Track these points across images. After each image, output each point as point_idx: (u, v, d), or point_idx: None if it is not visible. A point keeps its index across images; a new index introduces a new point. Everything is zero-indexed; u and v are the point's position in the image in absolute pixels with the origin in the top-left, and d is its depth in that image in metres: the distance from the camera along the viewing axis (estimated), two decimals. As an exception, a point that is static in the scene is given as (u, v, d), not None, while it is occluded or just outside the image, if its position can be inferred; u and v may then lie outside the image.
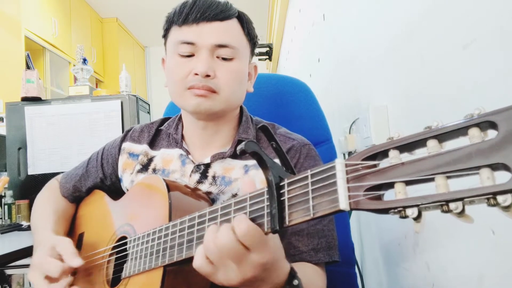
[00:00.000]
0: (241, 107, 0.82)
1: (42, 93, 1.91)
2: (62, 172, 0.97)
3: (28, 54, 3.34)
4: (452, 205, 0.28)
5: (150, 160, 0.81)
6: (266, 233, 0.44)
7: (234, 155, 0.76)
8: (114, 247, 0.73)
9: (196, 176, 0.75)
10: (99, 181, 0.88)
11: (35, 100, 1.88)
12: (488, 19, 0.51)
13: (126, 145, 0.85)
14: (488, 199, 0.27)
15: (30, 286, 2.17)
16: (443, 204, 0.28)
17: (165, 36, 0.77)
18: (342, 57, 1.29)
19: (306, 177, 0.40)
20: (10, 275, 2.05)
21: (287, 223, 0.41)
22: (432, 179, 0.29)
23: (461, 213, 0.28)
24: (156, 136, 0.85)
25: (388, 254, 0.98)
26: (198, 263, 0.49)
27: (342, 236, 0.91)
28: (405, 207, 0.30)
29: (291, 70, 2.87)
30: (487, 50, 0.51)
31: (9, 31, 3.18)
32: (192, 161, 0.77)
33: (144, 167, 0.81)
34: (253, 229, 0.45)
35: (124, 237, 0.71)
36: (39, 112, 1.86)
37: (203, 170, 0.76)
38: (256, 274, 0.48)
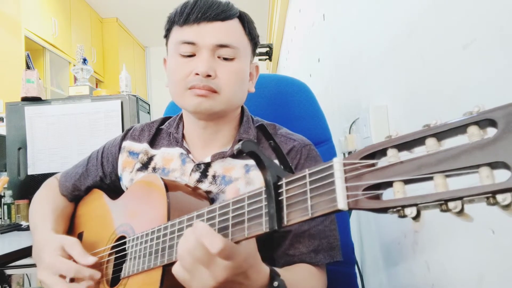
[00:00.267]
0: (242, 107, 0.82)
1: (42, 93, 1.91)
2: (61, 172, 0.97)
3: (28, 54, 3.34)
4: (451, 204, 0.28)
5: (150, 158, 0.81)
6: (265, 233, 0.44)
7: (235, 155, 0.76)
8: (113, 247, 0.73)
9: (196, 175, 0.75)
10: (98, 180, 0.88)
11: (35, 100, 1.88)
12: (488, 19, 0.50)
13: (127, 144, 0.85)
14: (487, 198, 0.26)
15: (30, 286, 2.17)
16: (442, 203, 0.28)
17: (166, 36, 0.77)
18: (342, 57, 1.29)
19: (304, 177, 0.40)
20: (10, 275, 2.05)
21: (285, 223, 0.41)
22: (431, 178, 0.29)
23: (460, 212, 0.28)
24: (156, 135, 0.85)
25: (388, 253, 0.98)
26: (175, 269, 0.51)
27: (342, 236, 0.91)
28: (404, 206, 0.30)
29: (291, 70, 2.87)
30: (487, 50, 0.51)
31: (9, 31, 3.18)
32: (193, 160, 0.77)
33: (144, 166, 0.81)
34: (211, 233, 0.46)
35: (123, 237, 0.71)
36: (39, 112, 1.86)
37: (203, 169, 0.76)
38: (229, 276, 0.48)
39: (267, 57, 3.79)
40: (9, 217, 1.75)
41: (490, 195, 0.26)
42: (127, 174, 0.83)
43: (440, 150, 0.29)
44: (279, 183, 0.43)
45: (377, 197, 0.33)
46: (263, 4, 4.00)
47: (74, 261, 0.68)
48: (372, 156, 0.34)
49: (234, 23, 0.72)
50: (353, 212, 1.27)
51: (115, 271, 0.71)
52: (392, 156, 0.32)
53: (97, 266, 0.74)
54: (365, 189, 0.33)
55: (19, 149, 1.85)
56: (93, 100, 1.88)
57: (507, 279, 0.51)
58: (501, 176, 0.27)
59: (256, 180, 0.73)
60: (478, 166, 0.27)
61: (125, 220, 0.73)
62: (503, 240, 0.50)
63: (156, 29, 4.45)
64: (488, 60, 0.51)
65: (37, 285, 2.10)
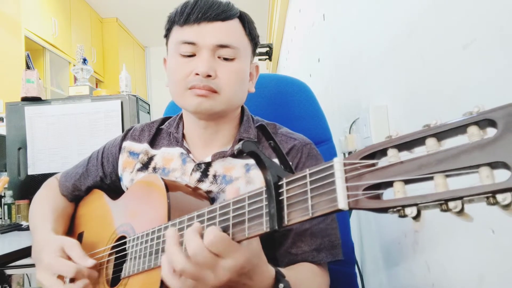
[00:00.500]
0: (242, 107, 0.82)
1: (42, 93, 1.91)
2: (61, 172, 0.97)
3: (28, 54, 3.33)
4: (451, 204, 0.28)
5: (151, 158, 0.81)
6: (265, 233, 0.44)
7: (235, 154, 0.76)
8: (113, 247, 0.73)
9: (197, 175, 0.75)
10: (99, 180, 0.88)
11: (35, 100, 1.88)
12: (488, 19, 0.50)
13: (127, 144, 0.86)
14: (487, 197, 0.26)
15: (30, 286, 2.17)
16: (442, 203, 0.28)
17: (166, 36, 0.77)
18: (342, 57, 1.29)
19: (304, 177, 0.40)
20: (10, 275, 2.05)
21: (286, 222, 0.41)
22: (431, 178, 0.29)
23: (461, 212, 0.28)
24: (156, 135, 0.85)
25: (388, 253, 0.98)
26: (168, 278, 0.50)
27: (342, 235, 0.91)
28: (404, 206, 0.30)
29: (291, 70, 2.87)
30: (487, 50, 0.51)
31: (9, 31, 3.17)
32: (193, 160, 0.77)
33: (144, 166, 0.81)
34: (221, 237, 0.46)
35: (123, 237, 0.71)
36: (39, 112, 1.86)
37: (204, 169, 0.76)
38: (232, 277, 0.48)
39: (267, 57, 3.79)
40: (10, 217, 1.75)
41: (490, 195, 0.26)
42: (128, 174, 0.83)
43: (440, 150, 0.29)
44: (279, 183, 0.43)
45: (378, 197, 0.33)
46: (263, 4, 4.00)
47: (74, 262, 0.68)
48: (372, 156, 0.34)
49: (235, 23, 0.72)
50: (353, 212, 1.27)
51: (116, 271, 0.71)
52: (392, 156, 0.32)
53: (97, 266, 0.74)
54: (365, 189, 0.33)
55: (19, 149, 1.85)
56: (93, 100, 1.88)
57: (507, 279, 0.51)
58: (501, 176, 0.27)
59: (256, 179, 0.73)
60: (478, 166, 0.27)
61: (125, 220, 0.73)
62: (503, 240, 0.50)
63: (156, 29, 4.46)
64: (488, 60, 0.51)
65: (37, 285, 2.10)
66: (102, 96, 1.91)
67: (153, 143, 0.84)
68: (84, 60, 2.04)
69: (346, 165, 0.35)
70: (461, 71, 0.57)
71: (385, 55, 0.87)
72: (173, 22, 0.74)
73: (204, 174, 0.75)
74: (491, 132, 0.28)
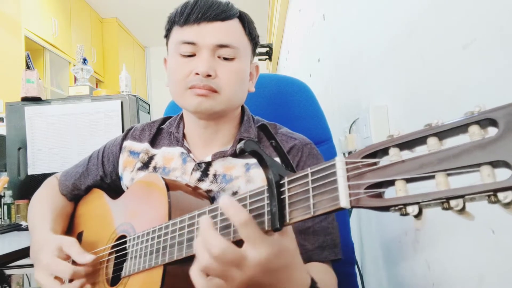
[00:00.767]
0: (242, 107, 0.82)
1: (42, 93, 1.91)
2: (62, 172, 0.97)
3: (28, 54, 3.33)
4: (452, 202, 0.28)
5: (151, 158, 0.81)
6: (266, 232, 0.44)
7: (235, 154, 0.76)
8: (113, 246, 0.73)
9: (197, 174, 0.76)
10: (99, 179, 0.88)
11: (35, 100, 1.88)
12: (488, 19, 0.51)
13: (127, 144, 0.86)
14: (488, 196, 0.27)
15: (30, 286, 2.17)
16: (444, 201, 0.28)
17: (166, 36, 0.77)
18: (342, 57, 1.29)
19: (306, 175, 0.40)
20: (9, 275, 2.05)
21: (287, 221, 0.41)
22: (432, 177, 0.30)
23: (462, 210, 0.28)
24: (157, 134, 0.85)
25: (388, 253, 0.98)
26: (199, 281, 0.47)
27: (342, 235, 0.91)
28: (405, 205, 0.30)
29: (291, 70, 2.87)
30: (487, 50, 0.51)
31: (9, 31, 3.17)
32: (193, 159, 0.77)
33: (145, 165, 0.81)
34: (250, 221, 0.43)
35: (124, 236, 0.71)
36: (39, 112, 1.86)
37: (204, 169, 0.76)
38: (256, 273, 0.45)
39: (267, 57, 3.79)
40: (9, 217, 1.75)
41: (491, 193, 0.26)
42: (128, 173, 0.83)
43: (442, 149, 0.30)
44: (281, 182, 0.43)
45: (379, 196, 0.33)
46: (263, 4, 4.00)
47: (73, 261, 0.68)
48: (374, 155, 0.34)
49: (234, 23, 0.73)
50: (353, 212, 1.28)
51: (116, 270, 0.71)
52: (394, 155, 0.32)
53: (97, 265, 0.74)
54: (367, 188, 0.33)
55: (19, 149, 1.85)
56: (93, 100, 1.88)
57: (507, 279, 0.51)
58: (502, 175, 0.27)
59: (256, 178, 0.73)
60: (479, 165, 0.27)
61: (125, 219, 0.73)
62: (503, 240, 0.51)
63: (156, 29, 4.45)
64: (488, 60, 0.51)
65: (37, 285, 2.10)
66: (102, 96, 1.91)
67: (153, 142, 0.84)
68: (84, 60, 2.05)
69: (348, 164, 0.35)
70: (461, 71, 0.57)
71: (385, 55, 0.88)
72: (173, 22, 0.74)
73: (204, 173, 0.75)
74: (492, 131, 0.28)
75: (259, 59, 3.83)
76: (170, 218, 0.61)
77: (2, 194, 1.79)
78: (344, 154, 1.15)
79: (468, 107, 0.29)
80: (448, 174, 0.29)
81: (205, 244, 0.45)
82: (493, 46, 0.50)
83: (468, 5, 0.55)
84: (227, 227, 0.48)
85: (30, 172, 1.83)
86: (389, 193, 0.33)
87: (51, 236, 0.74)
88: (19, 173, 1.84)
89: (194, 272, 0.47)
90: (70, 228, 0.89)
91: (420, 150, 0.31)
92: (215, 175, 0.75)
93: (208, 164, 0.76)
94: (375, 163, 0.33)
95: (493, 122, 0.28)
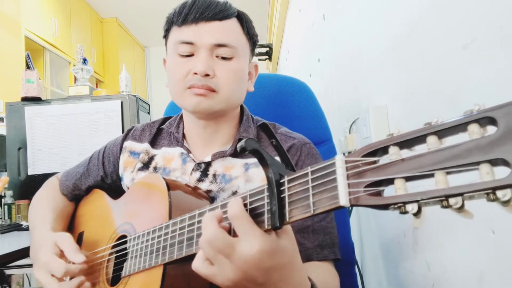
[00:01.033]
0: (241, 106, 0.82)
1: (42, 93, 1.91)
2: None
3: (28, 54, 3.34)
4: (451, 201, 0.28)
5: (151, 158, 0.82)
6: (266, 230, 0.44)
7: (235, 154, 0.76)
8: (114, 246, 0.73)
9: (197, 174, 0.76)
10: (99, 180, 0.88)
11: (35, 100, 1.88)
12: (488, 19, 0.51)
13: (128, 144, 0.86)
14: (487, 194, 0.27)
15: (30, 286, 2.17)
16: (443, 200, 0.29)
17: (165, 36, 0.78)
18: (342, 57, 1.29)
19: (306, 174, 0.40)
20: (10, 275, 2.05)
21: (287, 219, 0.41)
22: (432, 175, 0.30)
23: (461, 209, 0.28)
24: (157, 135, 0.85)
25: (388, 253, 0.98)
26: (195, 265, 0.48)
27: (342, 235, 0.91)
28: (405, 203, 0.30)
29: (291, 70, 2.87)
30: (487, 50, 0.51)
31: (9, 31, 3.18)
32: (193, 159, 0.77)
33: (145, 165, 0.81)
34: (241, 212, 0.44)
35: (124, 236, 0.71)
36: (39, 112, 1.86)
37: (204, 169, 0.76)
38: (250, 270, 0.44)
39: (267, 57, 3.79)
40: (10, 217, 1.75)
41: (490, 191, 0.27)
42: (128, 173, 0.83)
43: (441, 148, 0.30)
44: (281, 181, 0.43)
45: (379, 194, 0.33)
46: (263, 4, 4.00)
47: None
48: (373, 153, 0.34)
49: (232, 23, 0.73)
50: (353, 212, 1.28)
51: (116, 270, 0.71)
52: (394, 153, 0.32)
53: (97, 265, 0.74)
54: (366, 186, 0.33)
55: (19, 149, 1.85)
56: (93, 100, 1.88)
57: (507, 279, 0.51)
58: (501, 173, 0.27)
59: (256, 178, 0.73)
60: (478, 163, 0.27)
61: (126, 219, 0.74)
62: (503, 240, 0.51)
63: (156, 29, 4.45)
64: (488, 60, 0.51)
65: (37, 285, 2.10)
66: (102, 96, 1.92)
67: (153, 143, 0.84)
68: (84, 60, 2.05)
69: (348, 162, 0.36)
70: (461, 71, 0.57)
71: (385, 55, 0.88)
72: (171, 22, 0.74)
73: (204, 173, 0.76)
74: (491, 130, 0.28)
75: (259, 59, 3.83)
76: (170, 218, 0.61)
77: (3, 194, 1.79)
78: (344, 154, 1.14)
79: (468, 107, 0.29)
80: (448, 173, 0.29)
81: (202, 228, 0.47)
82: (493, 46, 0.50)
83: (468, 5, 0.55)
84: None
85: (30, 172, 1.84)
86: (389, 191, 0.33)
87: (49, 235, 0.74)
88: (19, 173, 1.84)
89: (197, 257, 0.49)
90: (70, 228, 0.89)
91: (419, 149, 0.32)
92: (214, 175, 0.75)
93: (208, 164, 0.76)
94: (374, 162, 0.34)
95: (492, 121, 0.28)
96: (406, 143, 0.32)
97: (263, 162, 0.43)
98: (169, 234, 0.58)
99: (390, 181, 0.32)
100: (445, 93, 0.62)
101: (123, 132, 1.62)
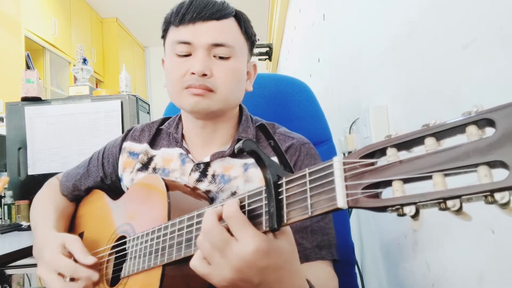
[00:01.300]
0: (240, 106, 0.82)
1: (42, 93, 1.91)
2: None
3: (28, 54, 3.34)
4: (449, 203, 0.28)
5: (150, 159, 0.82)
6: (264, 232, 0.44)
7: (234, 154, 0.76)
8: (113, 247, 0.73)
9: (196, 175, 0.76)
10: (99, 180, 0.88)
11: (35, 100, 1.88)
12: (488, 19, 0.51)
13: (127, 145, 0.86)
14: (485, 196, 0.26)
15: (30, 286, 2.17)
16: (441, 202, 0.28)
17: (163, 36, 0.78)
18: (342, 57, 1.29)
19: (304, 176, 0.40)
20: (10, 275, 2.05)
21: (285, 221, 0.41)
22: (429, 177, 0.29)
23: (459, 211, 0.28)
24: (156, 135, 0.85)
25: (388, 253, 0.98)
26: (193, 263, 0.48)
27: (342, 235, 0.91)
28: (402, 205, 0.30)
29: (291, 70, 2.87)
30: (487, 50, 0.51)
31: (9, 31, 3.18)
32: (192, 160, 0.77)
33: (144, 166, 0.81)
34: (237, 210, 0.45)
35: (124, 237, 0.71)
36: (39, 112, 1.86)
37: (203, 169, 0.76)
38: (244, 270, 0.44)
39: (267, 57, 3.79)
40: (10, 217, 1.75)
41: (488, 194, 0.26)
42: (128, 174, 0.83)
43: (439, 150, 0.30)
44: (279, 182, 0.43)
45: (376, 196, 0.33)
46: (263, 4, 4.00)
47: (75, 259, 0.68)
48: (371, 155, 0.34)
49: (230, 22, 0.73)
50: (353, 212, 1.28)
51: (115, 271, 0.71)
52: (392, 155, 0.32)
53: (97, 265, 0.74)
54: (364, 188, 0.33)
55: (19, 149, 1.85)
56: (93, 100, 1.88)
57: (507, 279, 0.51)
58: (499, 175, 0.27)
59: (254, 178, 0.73)
60: (476, 165, 0.27)
61: (125, 220, 0.73)
62: (503, 240, 0.51)
63: (156, 29, 4.44)
64: (488, 60, 0.51)
65: (37, 285, 2.10)
66: (102, 96, 1.91)
67: (153, 143, 0.84)
68: (84, 60, 2.05)
69: (346, 164, 0.35)
70: (461, 71, 0.57)
71: (385, 55, 0.88)
72: (169, 22, 0.74)
73: (203, 174, 0.75)
74: (489, 131, 0.28)
75: (259, 59, 3.83)
76: (169, 219, 0.61)
77: (3, 194, 1.79)
78: (344, 154, 1.15)
79: (468, 107, 0.29)
80: (446, 175, 0.29)
81: (202, 223, 0.47)
82: (493, 46, 0.50)
83: (468, 5, 0.55)
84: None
85: (30, 172, 1.84)
86: (387, 193, 0.33)
87: (54, 234, 0.75)
88: (19, 173, 1.84)
89: (195, 255, 0.49)
90: (71, 228, 0.89)
91: (417, 151, 0.31)
92: (213, 176, 0.75)
93: (207, 164, 0.76)
94: (372, 164, 0.33)
95: (490, 123, 0.28)
96: (404, 144, 0.32)
97: (261, 163, 0.43)
98: (168, 235, 0.58)
99: (388, 183, 0.32)
100: (445, 93, 0.62)
101: (123, 132, 1.62)
